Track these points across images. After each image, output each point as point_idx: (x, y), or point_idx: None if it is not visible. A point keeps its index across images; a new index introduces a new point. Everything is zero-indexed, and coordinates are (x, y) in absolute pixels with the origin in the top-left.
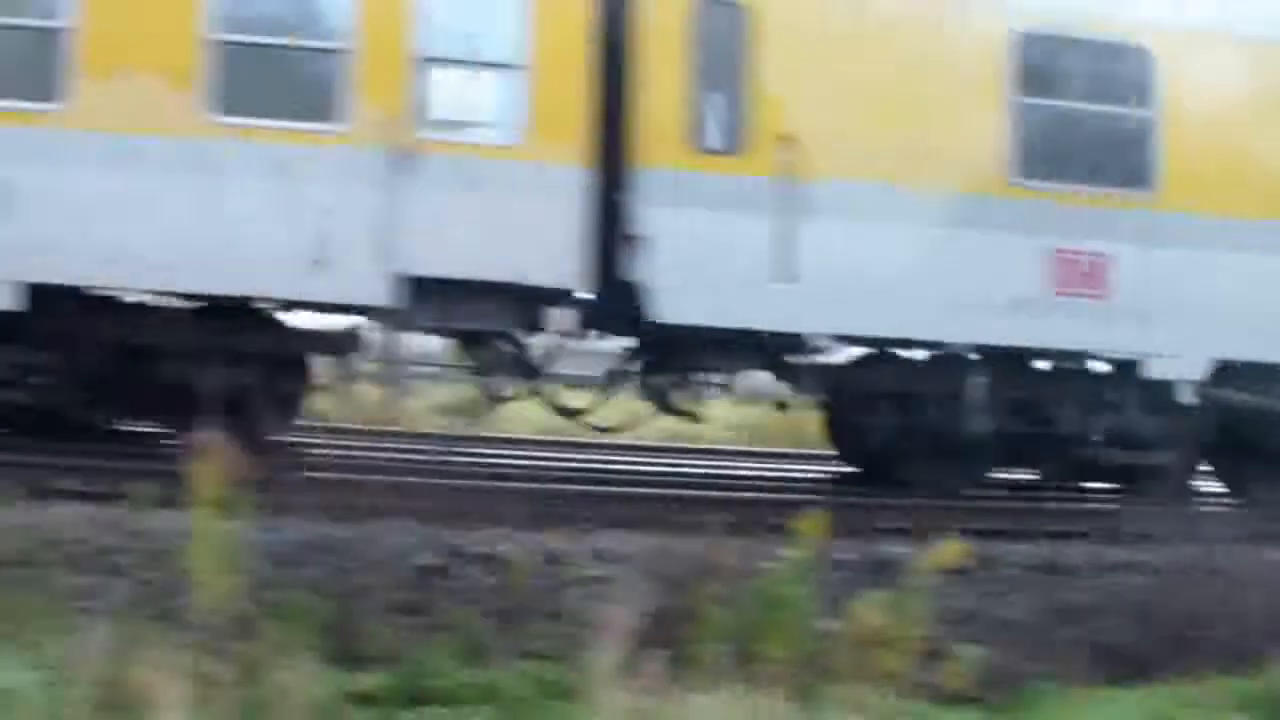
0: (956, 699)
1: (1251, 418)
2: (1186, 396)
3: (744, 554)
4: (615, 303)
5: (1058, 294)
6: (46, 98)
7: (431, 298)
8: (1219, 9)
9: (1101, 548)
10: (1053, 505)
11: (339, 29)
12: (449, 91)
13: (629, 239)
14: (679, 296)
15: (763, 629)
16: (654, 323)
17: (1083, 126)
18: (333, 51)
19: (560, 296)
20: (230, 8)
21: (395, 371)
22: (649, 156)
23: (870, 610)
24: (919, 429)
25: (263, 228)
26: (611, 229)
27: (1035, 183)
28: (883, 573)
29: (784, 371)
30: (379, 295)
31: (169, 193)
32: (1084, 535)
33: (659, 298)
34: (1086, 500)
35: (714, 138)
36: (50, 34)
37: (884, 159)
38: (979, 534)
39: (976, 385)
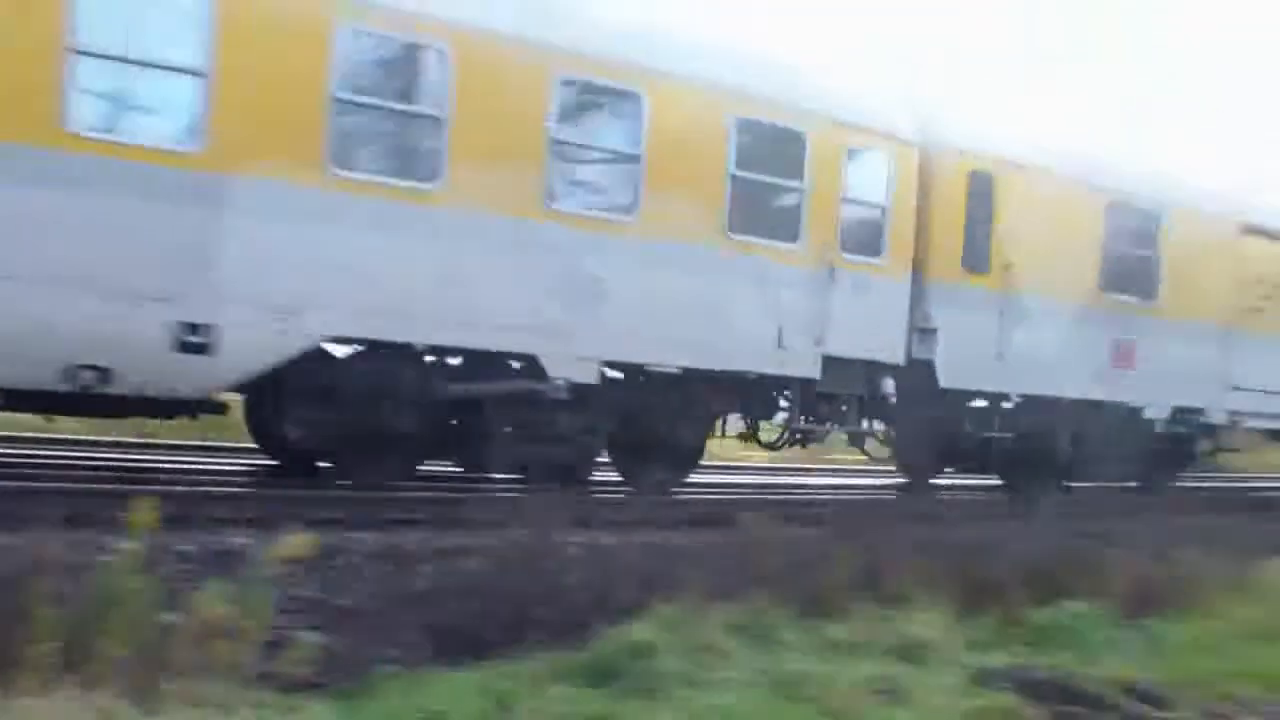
0: (299, 687)
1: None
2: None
3: (82, 548)
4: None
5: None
6: (628, 213)
7: (831, 370)
8: None
9: (440, 533)
10: (400, 495)
11: (804, 178)
12: (852, 228)
13: (925, 330)
14: (952, 370)
15: (99, 626)
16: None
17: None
18: (800, 192)
19: (891, 369)
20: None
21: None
22: (939, 274)
23: (211, 602)
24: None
25: (750, 322)
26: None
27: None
28: (225, 564)
29: None
30: (814, 370)
31: (699, 292)
32: (426, 522)
33: (941, 371)
34: (428, 489)
35: (973, 262)
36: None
37: (1045, 279)
38: (329, 524)
39: (405, 382)
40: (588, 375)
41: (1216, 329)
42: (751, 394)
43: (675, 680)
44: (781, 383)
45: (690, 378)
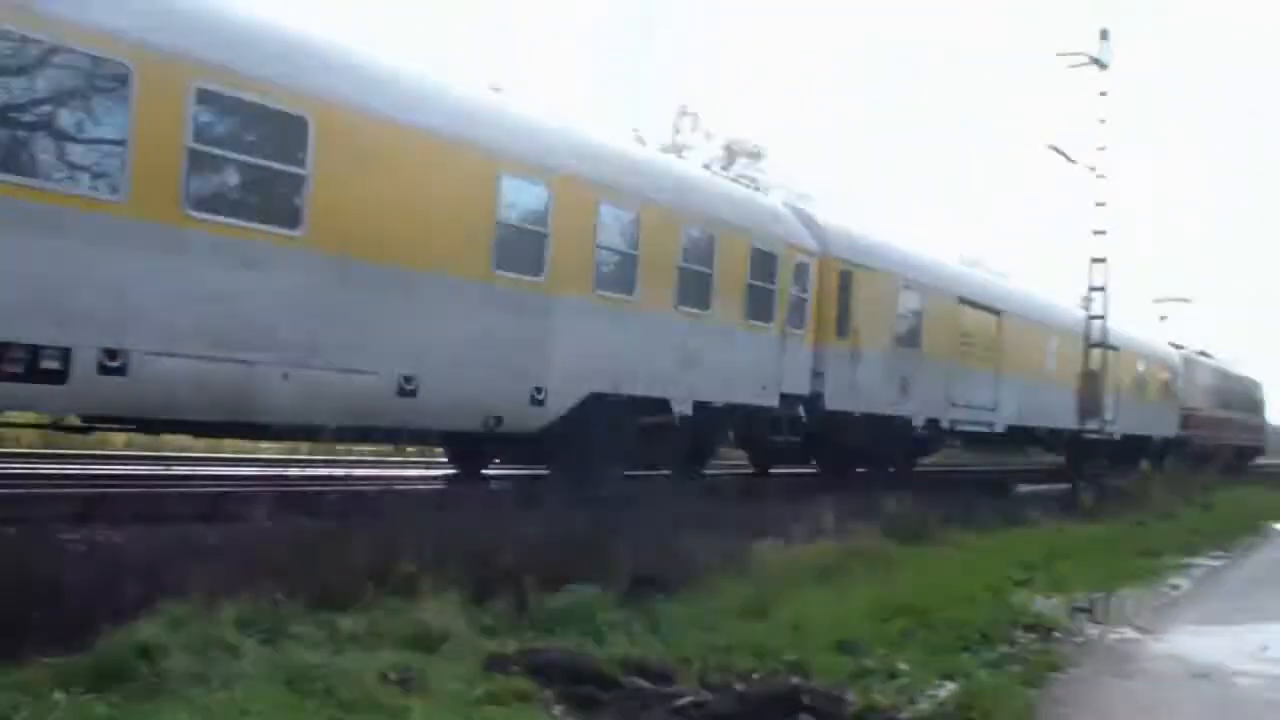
0: None
1: None
2: None
3: None
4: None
5: None
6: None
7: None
8: None
9: None
10: None
11: (777, 284)
12: (793, 312)
13: (818, 374)
14: (832, 398)
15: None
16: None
17: None
18: (775, 291)
19: (803, 399)
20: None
21: None
22: (824, 338)
23: None
24: None
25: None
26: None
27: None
28: None
29: None
30: (774, 401)
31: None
32: None
33: (828, 399)
34: None
35: (840, 330)
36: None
37: (874, 339)
38: None
39: None
40: None
41: (945, 366)
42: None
43: (185, 679)
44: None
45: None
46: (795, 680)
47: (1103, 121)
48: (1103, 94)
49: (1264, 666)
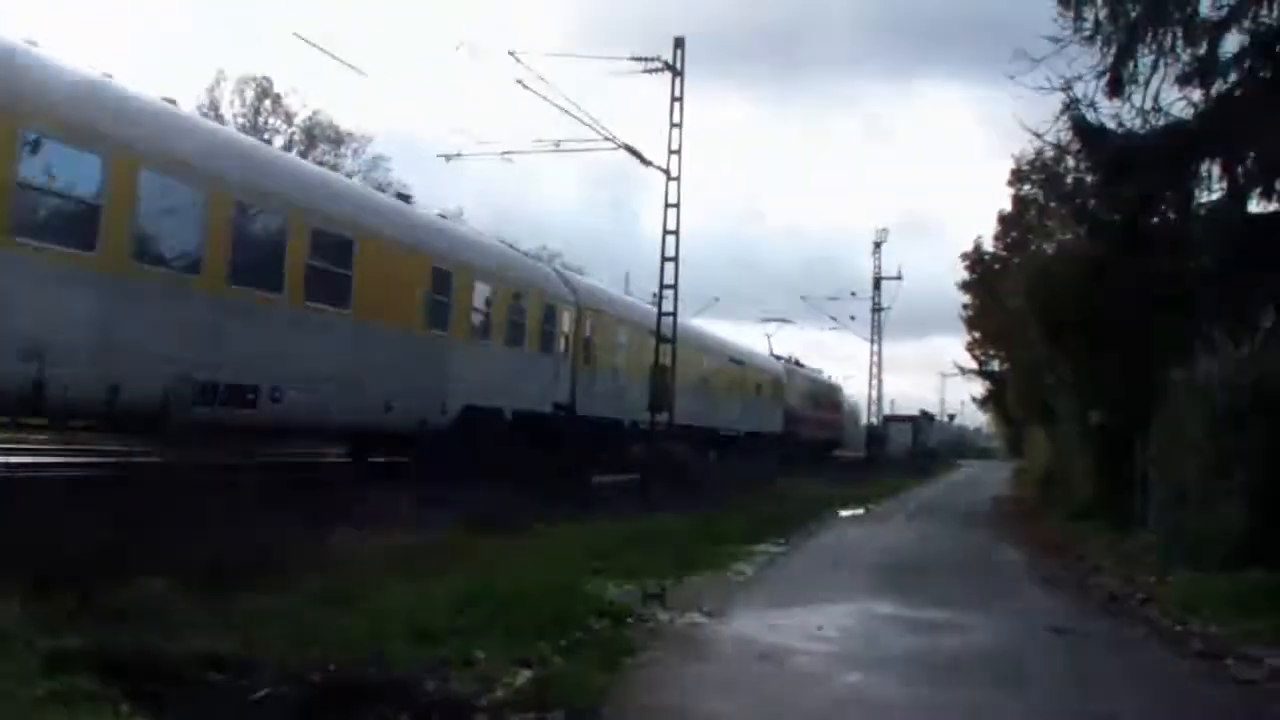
0: None
1: None
2: None
3: None
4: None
5: None
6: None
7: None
8: None
9: None
10: None
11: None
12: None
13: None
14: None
15: None
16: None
17: None
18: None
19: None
20: None
21: None
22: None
23: None
24: None
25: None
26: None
27: None
28: None
29: None
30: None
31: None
32: None
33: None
34: None
35: (586, 359)
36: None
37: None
38: None
39: None
40: None
41: (641, 381)
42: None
43: None
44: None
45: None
46: (374, 670)
47: (676, 125)
48: (677, 99)
49: (818, 645)
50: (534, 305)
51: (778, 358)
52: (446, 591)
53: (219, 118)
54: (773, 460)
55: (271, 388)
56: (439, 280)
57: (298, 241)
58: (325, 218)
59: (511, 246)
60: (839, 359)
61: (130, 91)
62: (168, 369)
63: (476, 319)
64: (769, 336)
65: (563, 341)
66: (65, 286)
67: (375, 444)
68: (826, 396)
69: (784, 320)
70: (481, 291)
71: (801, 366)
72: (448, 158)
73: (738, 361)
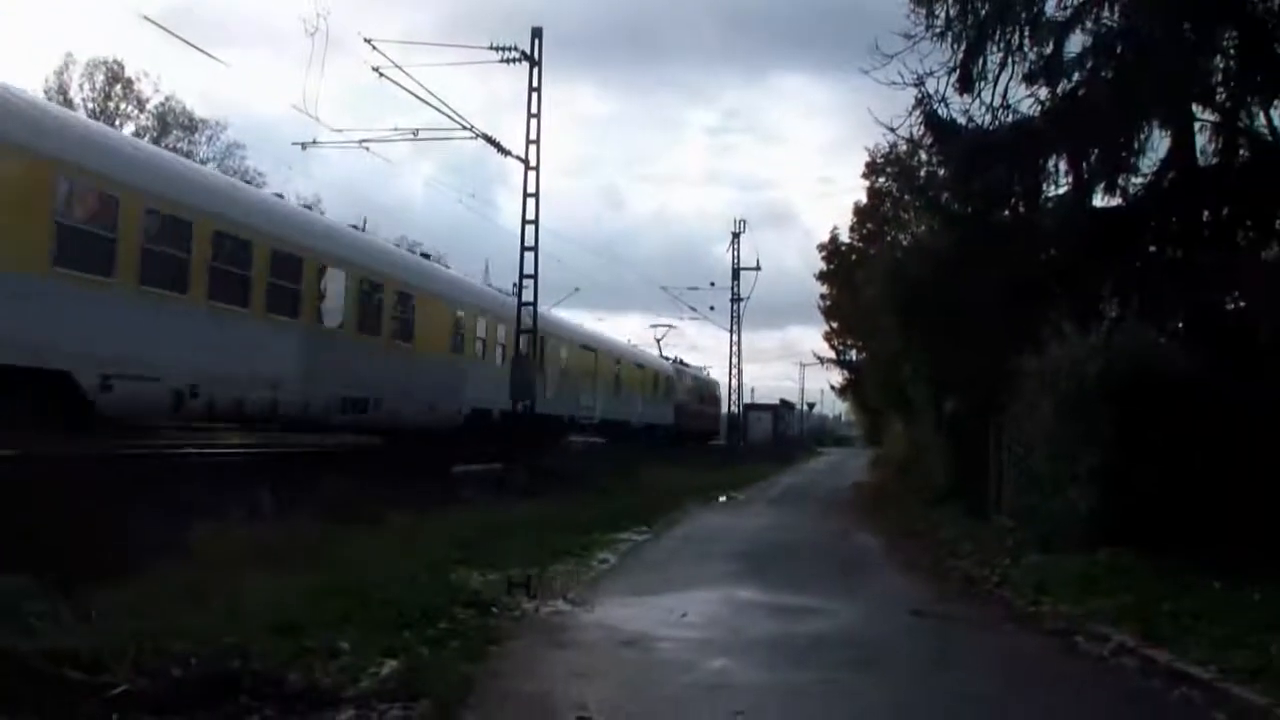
0: None
1: None
2: None
3: None
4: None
5: None
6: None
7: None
8: None
9: None
10: None
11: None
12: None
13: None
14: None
15: None
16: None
17: None
18: None
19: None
20: None
21: None
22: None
23: None
24: None
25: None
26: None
27: None
28: None
29: None
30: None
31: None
32: None
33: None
34: None
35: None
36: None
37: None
38: None
39: None
40: None
41: (574, 385)
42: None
43: None
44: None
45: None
46: (235, 663)
47: (534, 115)
48: (535, 89)
49: (681, 631)
50: (495, 328)
51: (666, 358)
52: (308, 584)
53: (68, 102)
54: (663, 448)
55: (375, 399)
56: (455, 321)
57: (389, 301)
58: (404, 284)
59: (496, 289)
60: (701, 349)
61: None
62: (333, 390)
63: (477, 345)
64: (659, 340)
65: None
66: (313, 340)
67: (418, 435)
68: (708, 391)
69: (670, 325)
70: (480, 324)
71: (687, 366)
72: (303, 145)
73: (640, 365)
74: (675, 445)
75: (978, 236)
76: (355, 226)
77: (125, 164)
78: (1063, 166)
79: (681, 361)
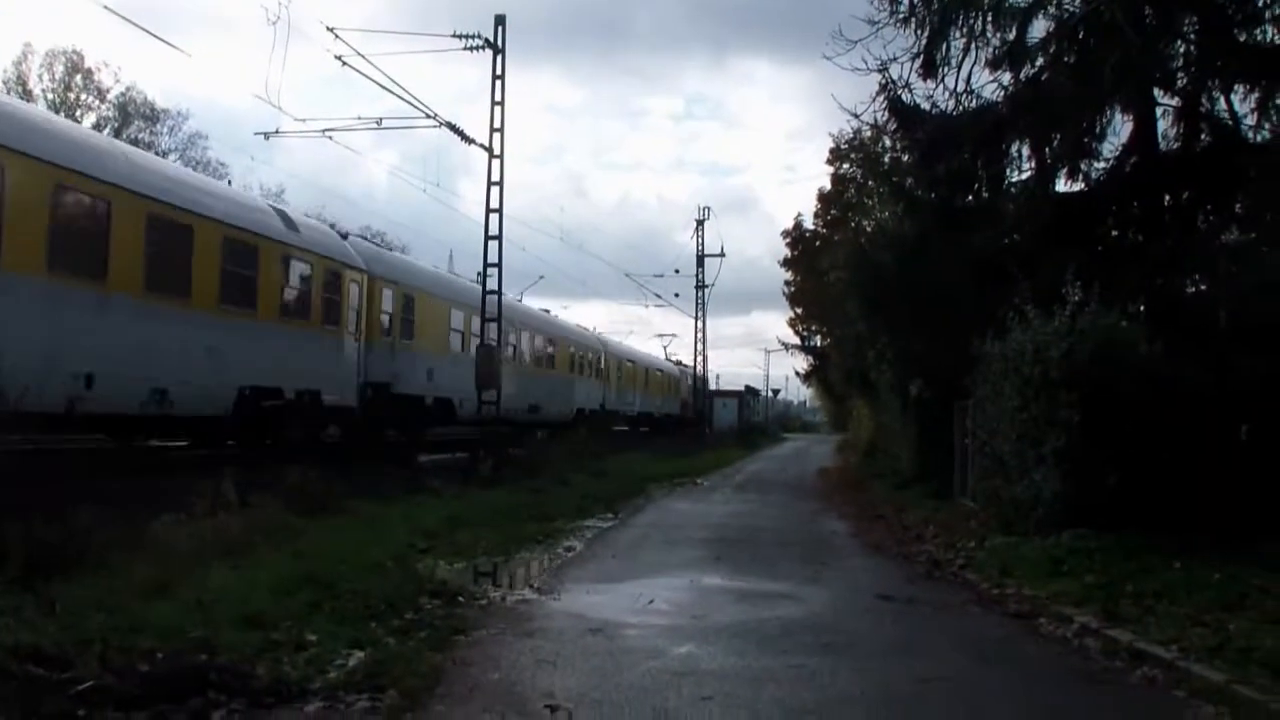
0: None
1: None
2: None
3: None
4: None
5: None
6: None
7: None
8: None
9: None
10: None
11: None
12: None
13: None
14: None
15: None
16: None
17: None
18: None
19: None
20: None
21: None
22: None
23: None
24: None
25: None
26: None
27: None
28: None
29: None
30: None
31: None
32: None
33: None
34: None
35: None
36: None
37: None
38: None
39: None
40: None
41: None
42: None
43: None
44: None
45: None
46: (202, 657)
47: (498, 103)
48: (498, 77)
49: (648, 618)
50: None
51: (674, 362)
52: (273, 575)
53: (27, 94)
54: (634, 436)
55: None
56: (456, 320)
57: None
58: (473, 310)
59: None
60: (666, 336)
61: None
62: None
63: (454, 338)
64: (665, 346)
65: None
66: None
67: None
68: (700, 385)
69: (674, 335)
70: (466, 319)
71: (687, 367)
72: (266, 135)
73: (661, 371)
74: (678, 432)
75: (941, 222)
76: (334, 227)
77: None
78: (1025, 152)
79: (679, 362)
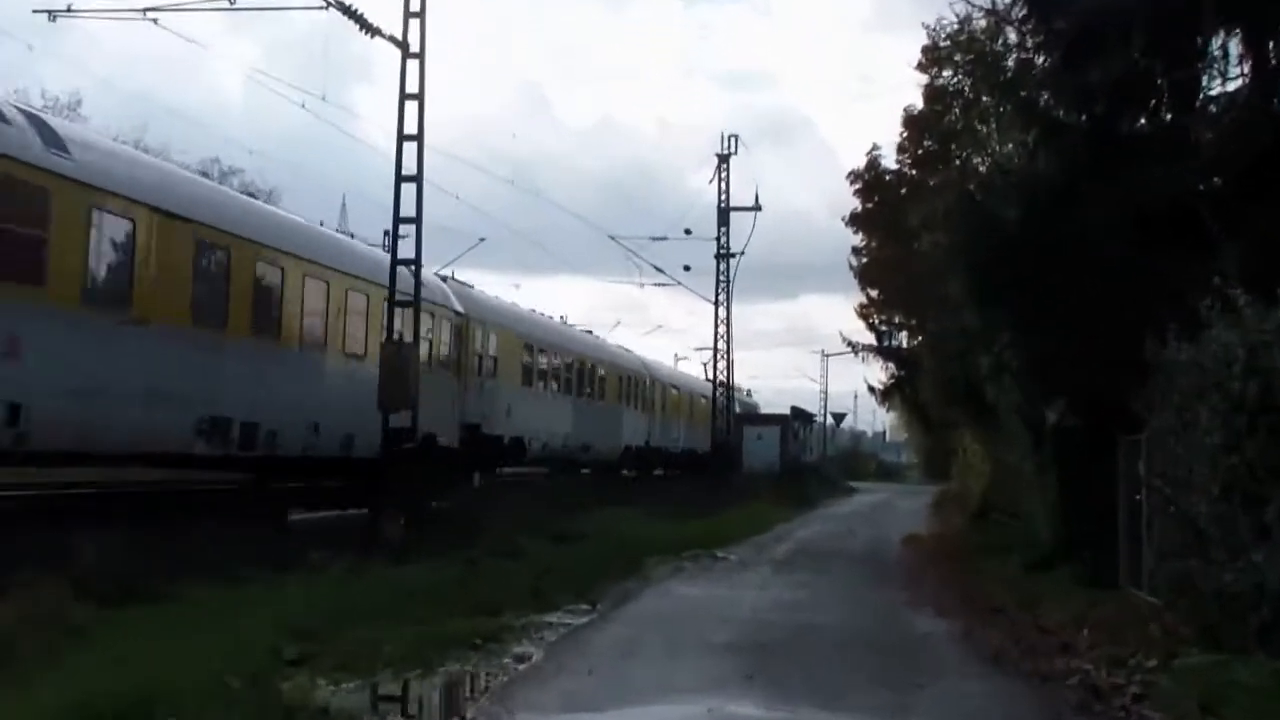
0: None
1: None
2: None
3: None
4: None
5: None
6: None
7: None
8: None
9: None
10: None
11: None
12: None
13: None
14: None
15: None
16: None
17: None
18: None
19: None
20: None
21: None
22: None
23: None
24: None
25: None
26: None
27: None
28: None
29: None
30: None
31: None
32: None
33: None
34: None
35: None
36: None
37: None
38: None
39: None
40: None
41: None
42: None
43: None
44: None
45: None
46: None
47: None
48: None
49: None
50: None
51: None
52: (52, 699)
53: None
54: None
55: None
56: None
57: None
58: (541, 341)
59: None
60: (673, 330)
61: None
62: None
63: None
64: (705, 365)
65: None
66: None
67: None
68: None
69: (714, 349)
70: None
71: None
72: (51, 14)
73: (704, 396)
74: (689, 476)
75: (1096, 156)
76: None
77: None
78: (1234, 48)
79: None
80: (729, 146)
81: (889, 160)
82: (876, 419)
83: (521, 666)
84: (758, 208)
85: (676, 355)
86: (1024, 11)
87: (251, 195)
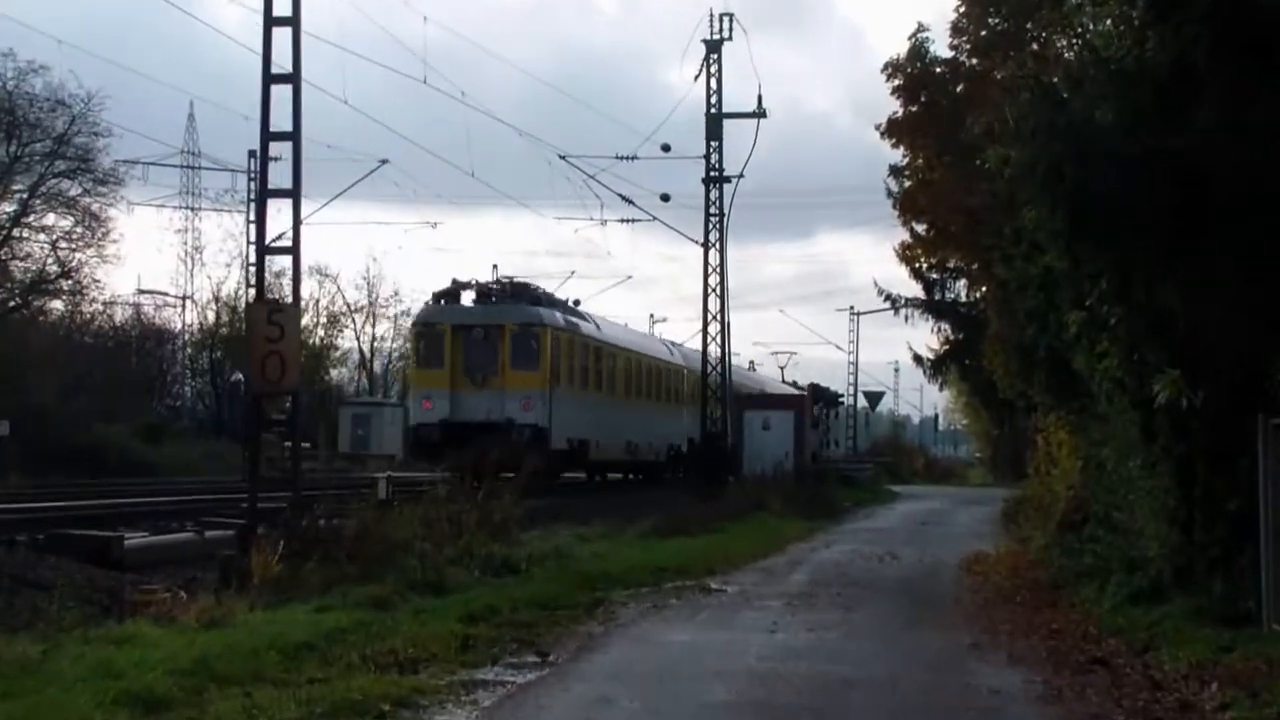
0: None
1: None
2: None
3: None
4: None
5: None
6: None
7: None
8: None
9: None
10: None
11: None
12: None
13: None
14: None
15: None
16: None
17: None
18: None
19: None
20: None
21: None
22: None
23: None
24: None
25: None
26: None
27: None
28: None
29: None
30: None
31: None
32: None
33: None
34: None
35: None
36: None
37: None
38: None
39: None
40: None
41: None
42: None
43: None
44: None
45: None
46: None
47: None
48: None
49: None
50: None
51: (793, 385)
52: None
53: None
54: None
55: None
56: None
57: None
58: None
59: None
60: (645, 281)
61: None
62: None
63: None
64: (782, 368)
65: None
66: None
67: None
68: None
69: (792, 352)
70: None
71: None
72: None
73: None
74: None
75: (1225, 36)
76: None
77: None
78: None
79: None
80: (720, 30)
81: (940, 46)
82: (925, 400)
83: None
84: (761, 114)
85: (652, 316)
86: None
87: (64, 104)
